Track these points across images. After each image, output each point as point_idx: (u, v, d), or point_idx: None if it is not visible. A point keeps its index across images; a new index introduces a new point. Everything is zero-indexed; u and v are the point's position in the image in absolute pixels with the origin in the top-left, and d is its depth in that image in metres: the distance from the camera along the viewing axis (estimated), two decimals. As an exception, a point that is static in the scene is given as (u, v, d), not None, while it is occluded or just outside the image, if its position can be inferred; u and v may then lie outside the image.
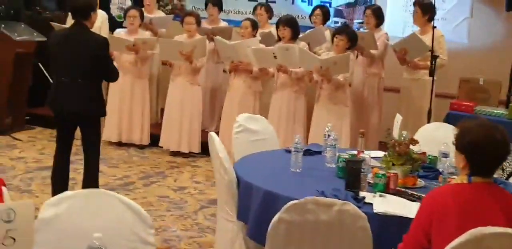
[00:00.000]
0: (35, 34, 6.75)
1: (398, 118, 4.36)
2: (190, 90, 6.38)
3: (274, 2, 7.53)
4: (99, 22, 5.92)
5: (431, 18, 6.08)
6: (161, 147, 6.55)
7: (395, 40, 6.33)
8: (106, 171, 5.64)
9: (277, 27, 5.94)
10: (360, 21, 7.37)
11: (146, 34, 6.49)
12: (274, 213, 2.95)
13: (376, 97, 6.44)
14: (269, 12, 6.71)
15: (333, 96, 5.62)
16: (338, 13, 7.61)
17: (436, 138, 4.03)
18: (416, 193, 3.11)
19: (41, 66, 7.12)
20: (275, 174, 3.40)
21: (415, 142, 3.37)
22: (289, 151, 3.78)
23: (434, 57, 5.52)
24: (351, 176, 3.08)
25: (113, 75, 4.57)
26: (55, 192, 4.56)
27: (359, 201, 2.85)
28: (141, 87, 6.62)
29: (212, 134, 3.45)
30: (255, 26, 6.22)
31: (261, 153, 3.84)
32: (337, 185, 3.14)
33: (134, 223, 2.17)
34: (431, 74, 5.60)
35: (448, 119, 5.85)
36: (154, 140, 6.64)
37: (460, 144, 2.35)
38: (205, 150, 6.46)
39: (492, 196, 2.34)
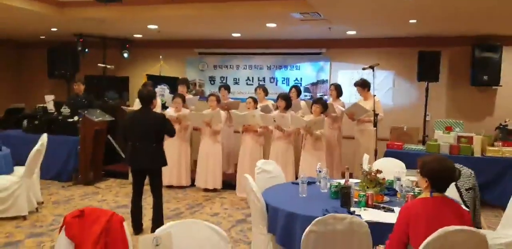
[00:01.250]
0: (106, 116, 6.77)
1: (366, 157, 4.42)
2: (213, 146, 6.40)
3: (264, 84, 7.68)
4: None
5: (369, 89, 6.29)
6: (195, 186, 6.51)
7: (348, 105, 6.49)
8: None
9: (277, 99, 6.04)
10: (321, 94, 7.56)
11: (186, 111, 6.54)
12: (295, 225, 2.99)
13: (337, 143, 6.48)
14: (265, 91, 6.80)
15: (314, 144, 5.68)
16: (307, 89, 7.82)
17: (386, 168, 4.09)
18: (387, 206, 3.15)
19: (110, 137, 7.14)
20: (291, 199, 3.40)
21: (379, 171, 3.43)
22: (295, 183, 3.84)
23: (375, 115, 5.66)
24: (344, 197, 3.10)
25: (172, 134, 4.61)
26: (134, 222, 4.52)
27: (352, 214, 2.86)
28: (184, 146, 6.59)
29: (247, 175, 3.45)
30: (255, 101, 6.31)
31: (276, 186, 3.86)
32: (334, 204, 3.17)
33: (219, 241, 2.15)
34: (375, 125, 5.72)
35: (387, 155, 5.98)
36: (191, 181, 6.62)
37: (423, 171, 2.40)
38: (225, 186, 6.53)
39: (448, 205, 2.38)
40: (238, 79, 8.23)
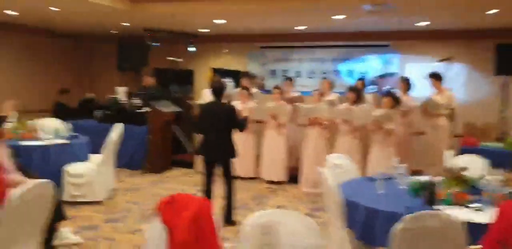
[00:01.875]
0: (173, 107, 6.93)
1: (448, 153, 4.20)
2: (277, 139, 6.39)
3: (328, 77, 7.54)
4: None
5: (442, 83, 6.01)
6: (259, 178, 6.53)
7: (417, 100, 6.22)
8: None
9: (347, 92, 5.91)
10: (389, 87, 7.31)
11: (251, 104, 6.53)
12: (376, 221, 2.90)
13: (406, 138, 6.24)
14: (331, 84, 6.72)
15: (383, 140, 5.51)
16: (373, 82, 7.61)
17: (468, 166, 3.87)
18: (475, 205, 2.98)
19: (176, 129, 7.29)
20: (369, 195, 3.30)
21: (465, 169, 3.26)
22: (369, 179, 3.74)
23: (452, 109, 5.41)
24: (429, 194, 2.98)
25: (242, 127, 4.59)
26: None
27: (438, 212, 2.75)
28: (250, 138, 6.58)
29: (322, 169, 3.39)
30: (321, 94, 6.22)
31: (350, 181, 3.75)
32: (414, 201, 3.04)
33: (308, 231, 2.12)
34: (451, 119, 5.46)
35: (462, 152, 5.68)
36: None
37: None
38: (288, 179, 6.51)
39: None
40: (300, 72, 8.15)
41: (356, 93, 5.83)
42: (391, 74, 7.48)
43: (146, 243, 2.15)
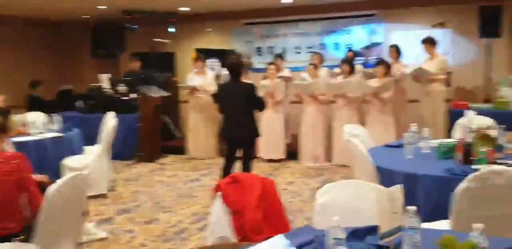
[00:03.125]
0: (162, 91, 6.70)
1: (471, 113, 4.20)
2: (274, 117, 6.32)
3: (318, 52, 7.30)
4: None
5: (435, 48, 6.03)
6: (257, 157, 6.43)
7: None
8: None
9: (340, 64, 5.86)
10: (375, 57, 7.31)
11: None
12: (416, 186, 2.88)
13: (402, 106, 6.26)
14: (322, 58, 6.67)
15: (381, 109, 5.54)
16: (359, 53, 7.54)
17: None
18: (510, 162, 3.01)
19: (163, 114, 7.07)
20: (399, 161, 3.27)
21: (492, 128, 3.28)
22: (389, 146, 3.72)
23: (448, 74, 5.46)
24: (466, 154, 2.99)
25: (261, 107, 4.43)
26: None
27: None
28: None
29: (351, 138, 3.34)
30: (316, 67, 6.15)
31: (372, 149, 3.71)
32: (447, 164, 3.02)
33: (386, 200, 2.03)
34: (448, 85, 5.52)
35: (452, 114, 5.79)
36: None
37: None
38: (287, 156, 6.45)
39: None
40: (286, 48, 8.03)
41: (350, 65, 5.79)
42: (377, 44, 7.46)
43: (211, 226, 2.04)
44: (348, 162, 4.97)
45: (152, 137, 6.67)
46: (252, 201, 1.96)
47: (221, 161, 4.72)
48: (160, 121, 6.87)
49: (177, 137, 7.52)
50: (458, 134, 4.16)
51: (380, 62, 5.61)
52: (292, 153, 6.45)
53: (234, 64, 4.30)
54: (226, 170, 4.45)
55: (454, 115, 5.93)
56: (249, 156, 4.50)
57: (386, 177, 3.11)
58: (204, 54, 7.24)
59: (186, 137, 6.93)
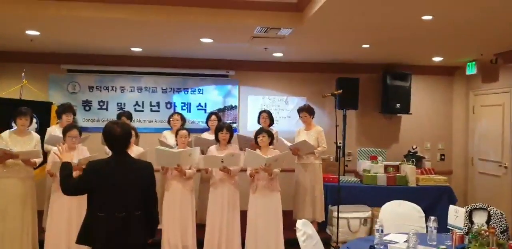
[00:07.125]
0: None
1: (461, 210, 3.35)
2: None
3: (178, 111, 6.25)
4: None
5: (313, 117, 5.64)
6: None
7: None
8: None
9: (220, 131, 4.81)
10: (230, 121, 6.56)
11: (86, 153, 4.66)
12: None
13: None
14: (183, 119, 5.59)
15: (269, 184, 4.68)
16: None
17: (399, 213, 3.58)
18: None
19: None
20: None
21: (493, 228, 2.73)
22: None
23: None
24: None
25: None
26: None
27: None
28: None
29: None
30: (189, 132, 4.93)
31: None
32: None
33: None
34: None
35: (327, 189, 5.65)
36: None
37: None
38: None
39: None
40: (124, 103, 6.58)
41: (230, 132, 4.86)
42: (231, 107, 6.78)
43: None
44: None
45: None
46: None
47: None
48: None
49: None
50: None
51: (261, 130, 4.88)
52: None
53: (122, 133, 2.77)
54: None
55: (329, 189, 5.59)
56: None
57: None
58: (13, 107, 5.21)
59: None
